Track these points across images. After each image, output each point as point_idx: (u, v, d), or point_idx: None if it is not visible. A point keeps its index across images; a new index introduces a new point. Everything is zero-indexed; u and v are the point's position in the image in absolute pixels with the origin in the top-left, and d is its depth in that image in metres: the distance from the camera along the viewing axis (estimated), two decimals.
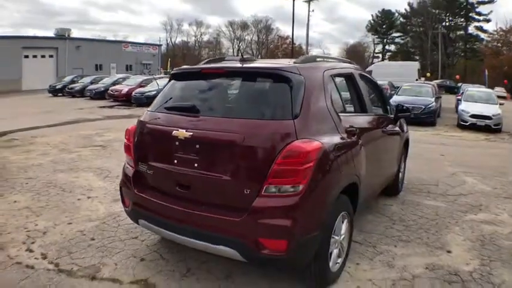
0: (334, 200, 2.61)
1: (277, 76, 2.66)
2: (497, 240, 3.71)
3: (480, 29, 56.10)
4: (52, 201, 4.57)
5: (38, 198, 4.64)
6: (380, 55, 65.88)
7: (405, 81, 16.95)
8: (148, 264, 3.10)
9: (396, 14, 62.85)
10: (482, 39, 55.81)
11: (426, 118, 12.66)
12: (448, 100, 20.74)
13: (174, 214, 2.61)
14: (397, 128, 4.63)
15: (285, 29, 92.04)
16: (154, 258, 3.21)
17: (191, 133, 2.56)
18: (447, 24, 56.46)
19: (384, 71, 24.04)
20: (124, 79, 23.93)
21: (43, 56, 36.83)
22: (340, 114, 2.95)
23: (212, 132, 2.53)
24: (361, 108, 3.64)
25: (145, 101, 17.33)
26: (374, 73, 25.35)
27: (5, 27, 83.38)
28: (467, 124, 12.14)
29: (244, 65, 2.87)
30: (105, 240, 3.51)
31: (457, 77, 36.81)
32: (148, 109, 3.12)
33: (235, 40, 70.33)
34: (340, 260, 2.92)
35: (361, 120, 3.46)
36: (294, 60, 3.01)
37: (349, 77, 3.59)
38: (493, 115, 11.84)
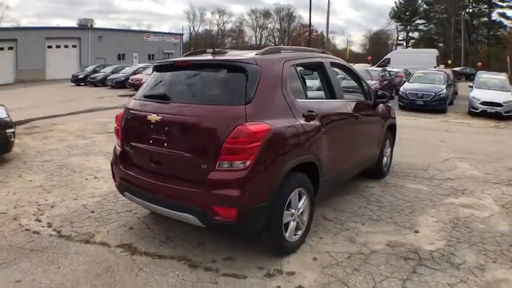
0: (284, 176, 2.83)
1: (234, 67, 2.97)
2: (472, 223, 3.74)
3: (503, 15, 53.29)
4: (63, 180, 4.99)
5: (50, 178, 5.07)
6: (404, 42, 63.95)
7: (423, 69, 16.57)
8: (135, 232, 3.46)
9: (419, 1, 60.57)
10: (506, 25, 53.22)
11: (436, 105, 12.47)
12: (466, 88, 20.17)
13: (149, 187, 2.99)
14: (376, 113, 4.73)
15: (307, 17, 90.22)
16: (141, 227, 3.58)
17: (161, 117, 2.91)
18: (470, 10, 53.85)
19: (402, 59, 23.52)
20: (144, 68, 23.93)
21: (66, 46, 37.30)
22: (299, 100, 3.19)
23: (177, 116, 2.87)
24: (331, 95, 3.82)
25: None
26: (392, 61, 24.79)
27: (30, 17, 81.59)
28: (477, 111, 11.86)
29: (209, 58, 3.20)
30: (103, 213, 3.90)
31: (479, 64, 35.29)
32: (134, 97, 3.47)
33: (258, 28, 69.67)
34: (300, 233, 3.16)
35: (326, 106, 3.64)
36: (257, 51, 3.27)
37: (318, 66, 3.81)
38: (504, 102, 11.48)
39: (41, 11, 78.72)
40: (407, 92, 13.12)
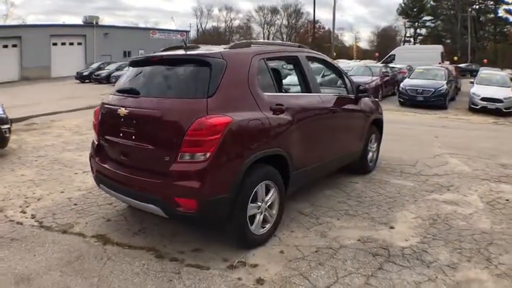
0: (246, 169, 2.82)
1: (200, 61, 2.99)
2: (452, 220, 3.65)
3: (509, 12, 52.18)
4: (53, 175, 5.05)
5: (41, 173, 5.14)
6: (411, 39, 63.12)
7: (427, 65, 16.35)
8: (111, 224, 3.51)
9: None
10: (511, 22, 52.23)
11: (436, 101, 12.28)
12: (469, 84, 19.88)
13: (120, 179, 3.03)
14: (358, 108, 4.68)
15: (315, 13, 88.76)
16: (119, 219, 3.62)
17: (128, 111, 2.94)
18: (477, 7, 52.78)
19: (407, 55, 23.23)
20: None
21: (71, 44, 37.04)
22: (267, 93, 3.17)
23: (143, 110, 2.90)
24: (306, 89, 3.80)
25: None
26: (397, 57, 24.49)
27: (37, 14, 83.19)
28: (477, 107, 11.63)
29: (178, 53, 3.24)
30: (85, 206, 3.96)
31: (485, 61, 34.64)
32: (110, 92, 3.48)
33: (266, 25, 69.02)
34: (268, 226, 3.14)
35: (297, 100, 3.60)
36: (227, 46, 3.27)
37: (292, 60, 3.79)
38: (505, 98, 11.21)
39: (48, 8, 77.92)
40: (407, 88, 12.94)
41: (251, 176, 2.90)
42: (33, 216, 3.69)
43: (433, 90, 12.35)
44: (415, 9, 60.93)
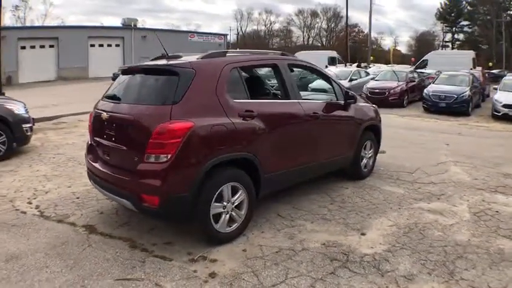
0: (207, 170, 2.98)
1: (169, 71, 3.22)
2: (429, 230, 3.57)
3: None
4: (66, 171, 5.47)
5: (56, 169, 5.57)
6: (449, 44, 60.46)
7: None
8: (103, 216, 3.80)
9: (464, 2, 57.11)
10: None
11: (459, 108, 11.83)
12: None
13: (103, 175, 3.32)
14: (348, 114, 4.67)
15: (355, 16, 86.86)
16: (111, 213, 3.90)
17: (109, 115, 3.24)
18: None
19: (440, 60, 22.36)
20: None
21: (109, 45, 37.47)
22: (237, 100, 3.31)
23: (119, 115, 3.18)
24: (285, 95, 3.91)
25: None
26: (430, 62, 23.63)
27: (78, 14, 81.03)
28: (499, 114, 11.02)
29: (157, 62, 3.48)
30: (85, 200, 4.28)
31: None
32: (100, 98, 3.80)
33: (305, 29, 68.06)
34: (235, 225, 3.28)
35: (270, 106, 3.71)
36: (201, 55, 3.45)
37: (271, 67, 3.92)
38: None
39: (89, 8, 77.07)
40: (430, 93, 12.54)
41: (214, 177, 3.06)
42: (37, 207, 4.05)
43: (456, 96, 11.92)
44: (452, 14, 58.36)
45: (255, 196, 3.47)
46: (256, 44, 60.35)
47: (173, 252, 3.05)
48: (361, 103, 5.17)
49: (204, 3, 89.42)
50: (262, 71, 4.58)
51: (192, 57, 3.44)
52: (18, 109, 5.91)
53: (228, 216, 3.23)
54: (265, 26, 68.26)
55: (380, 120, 5.57)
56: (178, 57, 3.59)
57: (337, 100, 4.66)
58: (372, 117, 5.26)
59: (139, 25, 41.61)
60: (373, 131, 5.31)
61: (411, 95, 14.36)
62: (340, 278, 2.73)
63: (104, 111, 3.35)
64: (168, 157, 2.84)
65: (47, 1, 66.63)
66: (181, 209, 2.97)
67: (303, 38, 66.85)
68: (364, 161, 5.14)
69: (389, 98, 13.67)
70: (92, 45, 36.10)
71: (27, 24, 46.96)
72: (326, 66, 21.81)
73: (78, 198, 4.34)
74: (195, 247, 3.12)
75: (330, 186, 4.78)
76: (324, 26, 67.48)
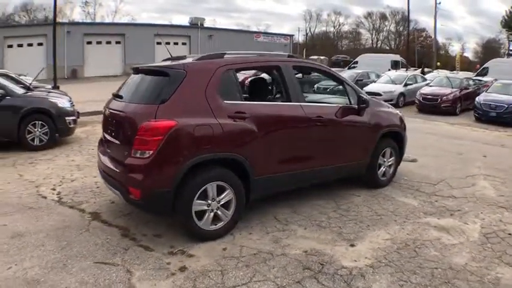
0: (189, 168, 3.05)
1: (162, 72, 3.33)
2: (426, 248, 3.25)
3: None
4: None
5: (89, 160, 5.90)
6: None
7: None
8: (112, 206, 4.04)
9: None
10: None
11: (508, 118, 10.65)
12: None
13: (104, 168, 3.56)
14: (361, 119, 4.41)
15: (423, 21, 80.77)
16: (120, 202, 4.02)
17: (110, 112, 3.47)
18: None
19: (500, 68, 20.09)
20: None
21: (176, 44, 37.49)
22: (228, 101, 3.33)
23: (117, 112, 3.38)
24: (286, 97, 3.83)
25: None
26: (490, 70, 21.43)
27: (150, 12, 78.45)
28: None
29: (159, 64, 3.62)
30: (103, 189, 4.40)
31: None
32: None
33: (374, 31, 64.98)
34: (221, 224, 3.32)
35: (265, 108, 3.65)
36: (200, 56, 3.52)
37: (274, 70, 3.88)
38: None
39: (161, 6, 74.80)
40: (481, 102, 11.43)
41: (198, 175, 3.13)
42: (58, 193, 4.39)
43: (506, 106, 10.74)
44: None
45: (244, 197, 3.46)
46: (325, 45, 58.82)
47: (157, 244, 3.19)
48: (380, 108, 4.85)
49: (276, 4, 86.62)
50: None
51: (189, 59, 3.53)
52: (62, 103, 6.53)
53: (212, 214, 3.28)
54: (334, 28, 66.31)
55: (404, 128, 5.18)
56: (181, 58, 3.71)
57: (351, 104, 4.44)
58: (393, 123, 4.92)
59: (209, 24, 42.47)
60: (395, 138, 4.97)
61: (465, 103, 13.21)
62: None
63: (108, 108, 3.60)
64: (150, 153, 2.98)
65: None
66: (161, 203, 3.09)
67: (372, 41, 64.07)
68: (383, 169, 4.83)
69: (442, 105, 12.76)
70: (159, 43, 36.40)
71: (97, 20, 49.21)
72: (389, 70, 20.77)
73: (98, 187, 4.59)
74: (180, 241, 3.23)
75: (341, 193, 4.57)
76: (393, 29, 63.93)
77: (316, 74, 5.14)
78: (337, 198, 4.44)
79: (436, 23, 30.60)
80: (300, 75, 4.95)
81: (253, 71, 21.96)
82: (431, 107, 12.85)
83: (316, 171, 4.12)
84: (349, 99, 4.46)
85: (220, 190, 3.29)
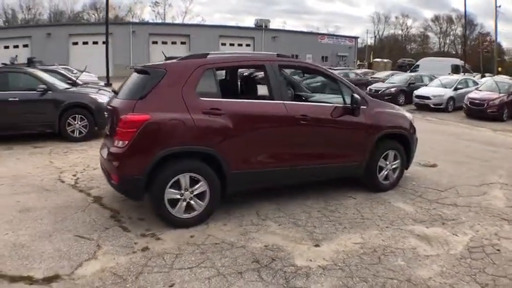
0: (160, 158, 3.27)
1: (146, 71, 3.58)
2: (394, 256, 3.05)
3: None
4: None
5: None
6: None
7: None
8: (116, 192, 4.06)
9: None
10: None
11: None
12: None
13: (101, 159, 3.90)
14: (355, 119, 4.22)
15: (488, 25, 71.25)
16: None
17: (108, 108, 3.82)
18: None
19: None
20: None
21: (240, 45, 38.61)
22: (204, 98, 3.48)
23: (111, 107, 3.71)
24: (270, 96, 3.86)
25: (312, 90, 17.33)
26: None
27: (224, 13, 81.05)
28: None
29: (153, 63, 3.85)
30: None
31: None
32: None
33: (441, 35, 60.88)
34: (195, 213, 3.48)
35: (242, 106, 3.74)
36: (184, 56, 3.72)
37: (259, 68, 3.99)
38: None
39: (234, 7, 77.10)
40: None
41: (170, 166, 3.32)
42: (76, 179, 4.76)
43: None
44: None
45: (219, 190, 3.58)
46: (393, 48, 56.50)
47: (136, 226, 3.46)
48: (381, 109, 4.59)
49: (346, 6, 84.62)
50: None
51: (170, 60, 3.77)
52: (103, 99, 7.20)
53: (185, 203, 3.45)
54: (402, 30, 63.13)
55: (412, 131, 4.84)
56: (174, 58, 3.95)
57: (345, 103, 4.26)
58: (396, 125, 4.63)
59: (279, 26, 42.27)
60: (401, 141, 4.67)
61: None
62: (240, 280, 2.70)
63: (107, 104, 3.99)
64: (126, 143, 3.26)
65: None
66: (134, 189, 3.36)
67: (439, 45, 60.02)
68: (384, 172, 4.57)
69: (488, 110, 11.70)
70: (223, 44, 37.77)
71: (167, 20, 51.28)
72: (449, 74, 19.25)
73: None
74: (157, 226, 3.45)
75: (336, 194, 4.43)
76: (459, 33, 58.61)
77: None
78: (330, 198, 4.32)
79: (497, 27, 27.55)
80: (300, 75, 4.91)
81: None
82: (478, 112, 11.88)
83: (302, 169, 4.07)
84: (343, 98, 4.30)
85: (194, 181, 3.45)
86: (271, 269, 2.86)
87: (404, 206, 4.17)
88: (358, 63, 40.96)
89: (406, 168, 4.93)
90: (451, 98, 13.59)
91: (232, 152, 3.56)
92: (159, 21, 50.48)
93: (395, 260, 3.03)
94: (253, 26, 41.97)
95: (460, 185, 4.85)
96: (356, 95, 4.18)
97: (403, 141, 4.71)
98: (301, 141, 3.99)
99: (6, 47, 29.47)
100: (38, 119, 6.60)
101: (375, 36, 62.71)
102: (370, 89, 16.22)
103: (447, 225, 3.70)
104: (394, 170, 4.67)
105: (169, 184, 3.36)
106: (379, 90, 15.64)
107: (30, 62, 15.78)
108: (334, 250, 3.18)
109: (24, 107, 6.47)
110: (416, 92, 14.19)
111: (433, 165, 5.73)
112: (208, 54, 3.81)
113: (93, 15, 50.16)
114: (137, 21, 46.98)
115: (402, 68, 31.06)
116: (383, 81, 18.05)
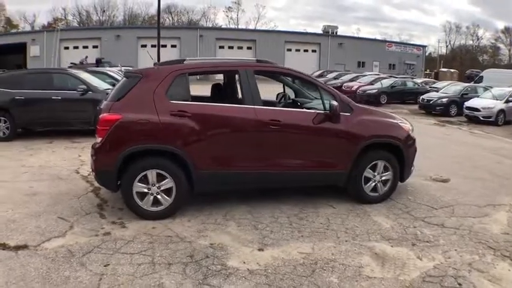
0: (128, 154, 3.51)
1: (127, 75, 3.90)
2: (328, 272, 2.83)
3: None
4: None
5: None
6: None
7: None
8: None
9: None
10: None
11: None
12: None
13: None
14: (335, 126, 4.00)
15: None
16: None
17: (98, 108, 4.15)
18: None
19: None
20: (357, 77, 23.24)
21: (306, 51, 37.91)
22: (174, 101, 3.65)
23: (99, 108, 3.96)
24: (242, 100, 3.90)
25: (366, 98, 16.79)
26: None
27: (299, 19, 79.28)
28: None
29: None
30: None
31: None
32: None
33: (511, 47, 54.17)
34: (162, 207, 3.67)
35: (208, 109, 3.83)
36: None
37: (233, 73, 4.12)
38: None
39: (310, 14, 76.82)
40: None
41: (137, 162, 3.57)
42: (90, 172, 4.58)
43: None
44: None
45: (186, 187, 3.71)
46: (464, 58, 52.17)
47: (113, 214, 3.76)
48: (369, 116, 4.26)
49: (422, 14, 79.17)
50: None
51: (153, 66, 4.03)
52: None
53: (152, 197, 3.65)
54: (472, 41, 57.56)
55: (409, 141, 4.37)
56: (165, 64, 4.17)
57: (325, 110, 4.04)
58: (385, 134, 4.24)
59: (353, 33, 41.41)
60: (394, 152, 4.26)
61: None
62: (165, 270, 2.81)
63: (98, 105, 4.27)
64: (100, 140, 3.59)
65: (259, 4, 70.90)
66: (107, 181, 3.69)
67: (509, 57, 53.42)
68: (372, 183, 4.22)
69: None
70: (289, 50, 37.44)
71: (241, 26, 51.88)
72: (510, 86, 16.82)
73: None
74: (130, 216, 3.70)
75: (318, 201, 4.24)
76: None
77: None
78: (308, 205, 4.15)
79: None
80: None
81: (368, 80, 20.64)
82: None
83: (273, 174, 3.98)
84: (323, 105, 4.09)
85: (161, 178, 3.64)
86: (199, 265, 2.91)
87: (383, 221, 3.80)
88: (425, 72, 37.81)
89: (402, 181, 4.47)
90: (501, 111, 12.11)
91: (197, 152, 3.68)
92: (231, 26, 51.46)
93: (328, 276, 2.82)
94: (321, 32, 41.26)
95: (462, 203, 4.24)
96: (334, 102, 3.95)
97: (396, 152, 4.27)
98: (272, 146, 3.92)
99: (76, 47, 31.79)
100: (78, 116, 7.17)
101: (447, 46, 58.36)
102: (422, 98, 15.05)
103: (417, 246, 3.29)
104: (384, 182, 4.28)
105: (138, 178, 3.61)
106: (431, 100, 14.53)
107: (99, 63, 16.83)
108: (274, 256, 3.08)
109: (66, 105, 7.21)
110: (467, 104, 12.93)
111: (445, 180, 5.08)
112: (184, 60, 3.99)
113: (168, 19, 51.26)
114: (207, 25, 48.22)
115: (470, 79, 28.12)
116: (437, 91, 16.40)
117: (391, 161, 4.25)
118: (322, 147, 4.08)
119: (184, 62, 3.97)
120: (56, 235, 3.32)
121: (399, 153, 4.28)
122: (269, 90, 5.37)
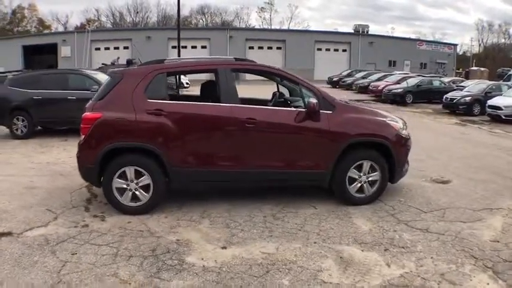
0: (106, 151, 3.58)
1: (110, 75, 3.99)
2: (282, 274, 2.70)
3: None
4: None
5: None
6: None
7: None
8: None
9: None
10: None
11: None
12: None
13: None
14: (315, 125, 3.82)
15: None
16: None
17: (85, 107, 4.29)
18: None
19: None
20: (385, 76, 22.29)
21: (336, 50, 36.80)
22: (151, 100, 3.68)
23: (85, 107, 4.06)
24: (220, 98, 3.83)
25: (392, 97, 16.50)
26: None
27: (334, 18, 79.24)
28: None
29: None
30: None
31: None
32: None
33: None
34: (140, 203, 3.72)
35: (184, 107, 3.83)
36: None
37: (213, 72, 4.00)
38: None
39: (345, 13, 76.05)
40: None
41: (116, 158, 3.64)
42: None
43: None
44: None
45: (163, 184, 3.73)
46: (497, 56, 49.11)
47: (97, 208, 3.86)
48: (354, 114, 4.02)
49: (457, 13, 76.48)
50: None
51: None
52: None
53: (131, 193, 3.70)
54: (504, 39, 54.10)
55: (399, 140, 4.06)
56: (134, 63, 4.31)
57: (305, 107, 3.86)
58: (371, 132, 3.98)
59: (388, 32, 40.11)
60: (381, 151, 3.99)
61: None
62: (124, 262, 2.85)
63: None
64: (83, 137, 3.71)
65: (292, 4, 69.81)
66: (89, 176, 3.80)
67: None
68: (357, 184, 3.98)
69: None
70: (319, 49, 36.61)
71: (274, 26, 50.95)
72: None
73: None
74: (111, 211, 3.77)
75: (301, 201, 4.08)
76: None
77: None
78: (290, 205, 4.01)
79: None
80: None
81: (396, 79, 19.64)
82: None
83: (251, 173, 3.88)
84: (304, 102, 3.91)
85: (139, 174, 3.69)
86: (157, 259, 2.92)
87: (362, 224, 3.56)
88: (456, 71, 35.57)
89: (392, 182, 4.17)
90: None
91: (173, 149, 3.69)
92: (264, 26, 50.82)
93: (281, 278, 2.68)
94: (352, 31, 40.04)
95: (456, 207, 3.87)
96: (311, 99, 3.76)
97: (384, 152, 3.98)
98: (249, 144, 3.83)
99: (107, 48, 31.91)
100: None
101: (479, 45, 55.17)
102: (446, 97, 14.17)
103: (389, 252, 3.04)
104: (372, 182, 4.01)
105: (117, 174, 3.68)
106: (454, 99, 13.63)
107: (129, 63, 17.50)
108: (234, 255, 3.00)
109: (81, 105, 7.46)
110: (489, 102, 11.99)
111: (445, 182, 4.66)
112: (164, 60, 4.02)
113: (201, 20, 51.38)
114: (237, 26, 47.74)
115: (501, 77, 25.97)
116: (462, 90, 15.27)
117: (379, 161, 3.98)
118: (302, 146, 3.91)
119: (164, 61, 3.99)
120: (39, 225, 3.49)
121: (388, 152, 3.98)
122: (269, 90, 5.27)
